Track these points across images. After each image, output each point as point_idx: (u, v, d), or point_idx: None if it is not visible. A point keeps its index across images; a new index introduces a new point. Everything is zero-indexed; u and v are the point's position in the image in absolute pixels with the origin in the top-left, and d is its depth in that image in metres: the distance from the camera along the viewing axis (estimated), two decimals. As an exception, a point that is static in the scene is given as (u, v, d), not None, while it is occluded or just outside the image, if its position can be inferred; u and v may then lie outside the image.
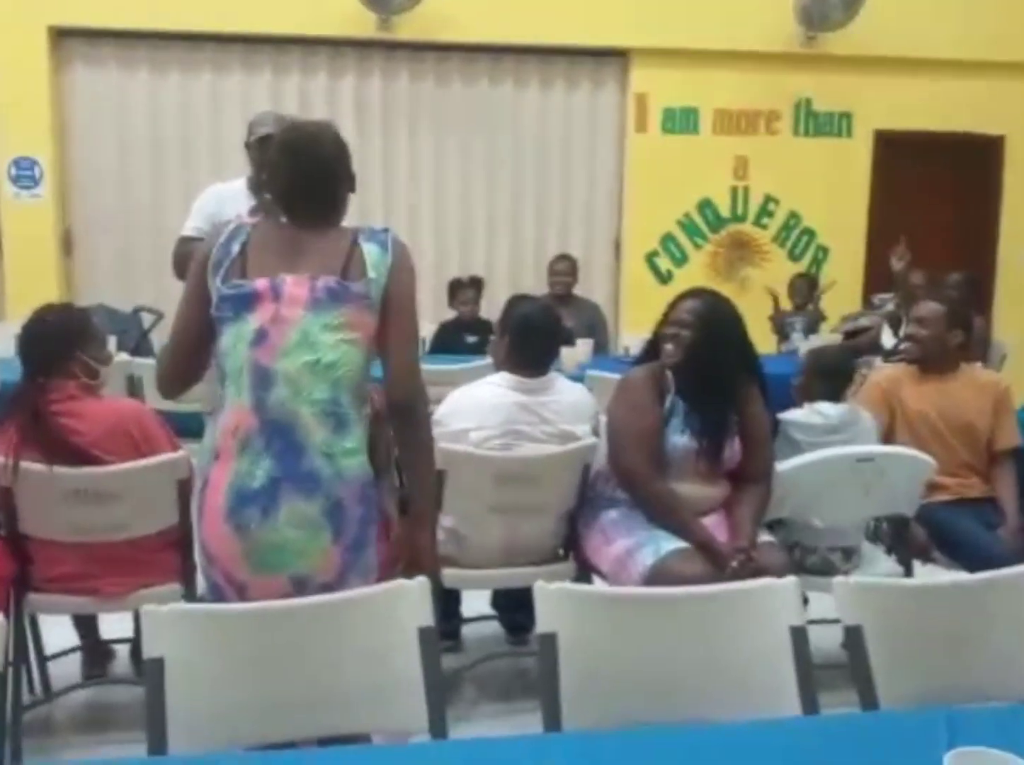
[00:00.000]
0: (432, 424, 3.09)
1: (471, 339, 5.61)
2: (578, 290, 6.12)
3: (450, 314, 5.95)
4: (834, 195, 7.23)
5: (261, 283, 2.07)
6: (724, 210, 7.25)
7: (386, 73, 6.81)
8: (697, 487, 2.98)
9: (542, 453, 2.98)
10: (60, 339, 2.78)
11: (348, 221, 2.27)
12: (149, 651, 1.68)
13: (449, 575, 2.98)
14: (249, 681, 1.73)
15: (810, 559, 3.16)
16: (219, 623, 1.76)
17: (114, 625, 3.22)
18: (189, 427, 3.93)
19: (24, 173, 6.55)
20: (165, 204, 6.58)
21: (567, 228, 7.15)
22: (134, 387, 4.43)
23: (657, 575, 2.77)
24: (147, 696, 1.66)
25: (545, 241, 7.08)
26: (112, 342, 5.07)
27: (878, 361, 5.91)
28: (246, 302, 2.06)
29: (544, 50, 6.87)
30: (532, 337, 3.07)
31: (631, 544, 2.91)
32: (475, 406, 3.02)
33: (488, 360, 3.60)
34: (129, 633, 3.19)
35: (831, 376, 3.28)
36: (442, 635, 2.22)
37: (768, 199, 7.27)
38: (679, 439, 2.95)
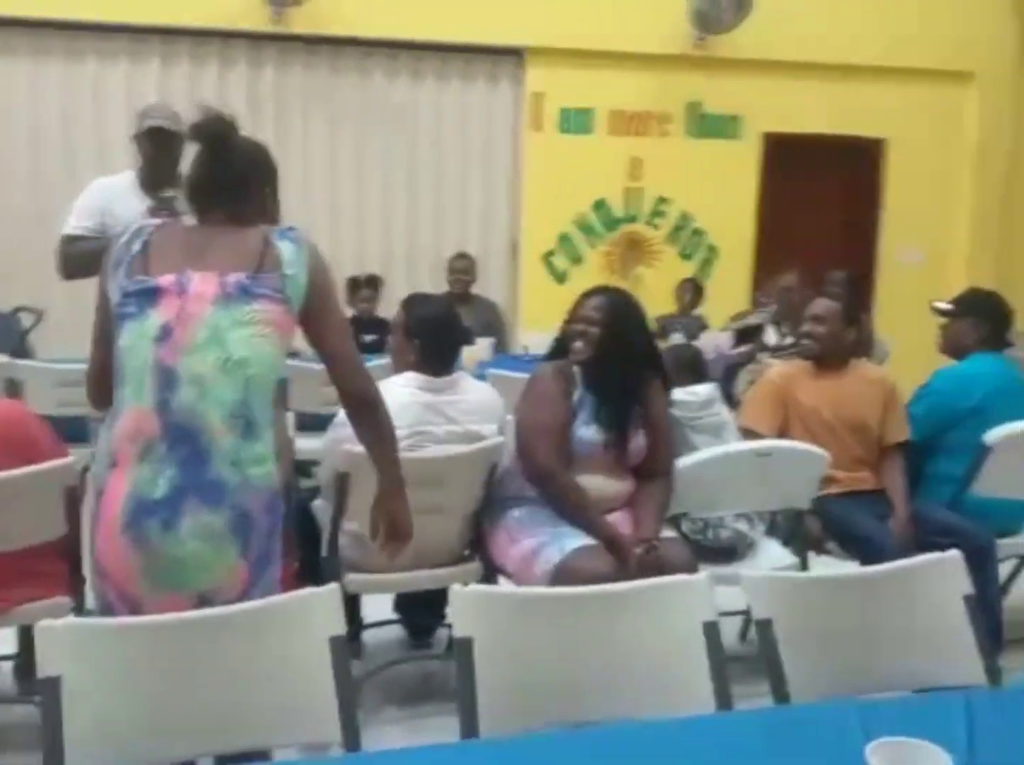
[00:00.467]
0: (333, 426, 3.07)
1: (368, 338, 5.54)
2: (476, 289, 6.11)
3: (347, 312, 5.86)
4: (724, 196, 7.37)
5: (166, 279, 1.97)
6: (618, 210, 7.33)
7: (279, 66, 6.67)
8: (604, 480, 3.03)
9: (449, 454, 2.95)
10: None
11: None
12: (44, 669, 1.59)
13: (354, 580, 2.94)
14: (152, 698, 1.66)
15: (724, 534, 3.30)
16: (120, 638, 1.68)
17: (-1, 642, 3.07)
18: (74, 432, 3.79)
19: None
20: (46, 199, 6.29)
21: (465, 226, 7.13)
22: (15, 390, 4.23)
23: (562, 573, 2.79)
24: (43, 717, 1.57)
25: (442, 239, 7.03)
26: (-10, 343, 4.84)
27: (766, 358, 6.08)
28: (149, 297, 1.95)
29: (440, 47, 6.84)
30: (440, 337, 3.07)
31: (536, 543, 2.92)
32: (380, 407, 2.97)
33: (386, 359, 3.56)
34: (11, 649, 3.04)
35: (691, 366, 3.64)
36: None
37: (661, 200, 7.37)
38: (586, 432, 3.00)
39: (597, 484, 3.02)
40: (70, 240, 3.55)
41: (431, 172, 7.04)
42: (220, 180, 2.10)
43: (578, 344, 3.06)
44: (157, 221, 2.20)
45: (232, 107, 7.00)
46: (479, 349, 5.04)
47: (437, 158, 7.05)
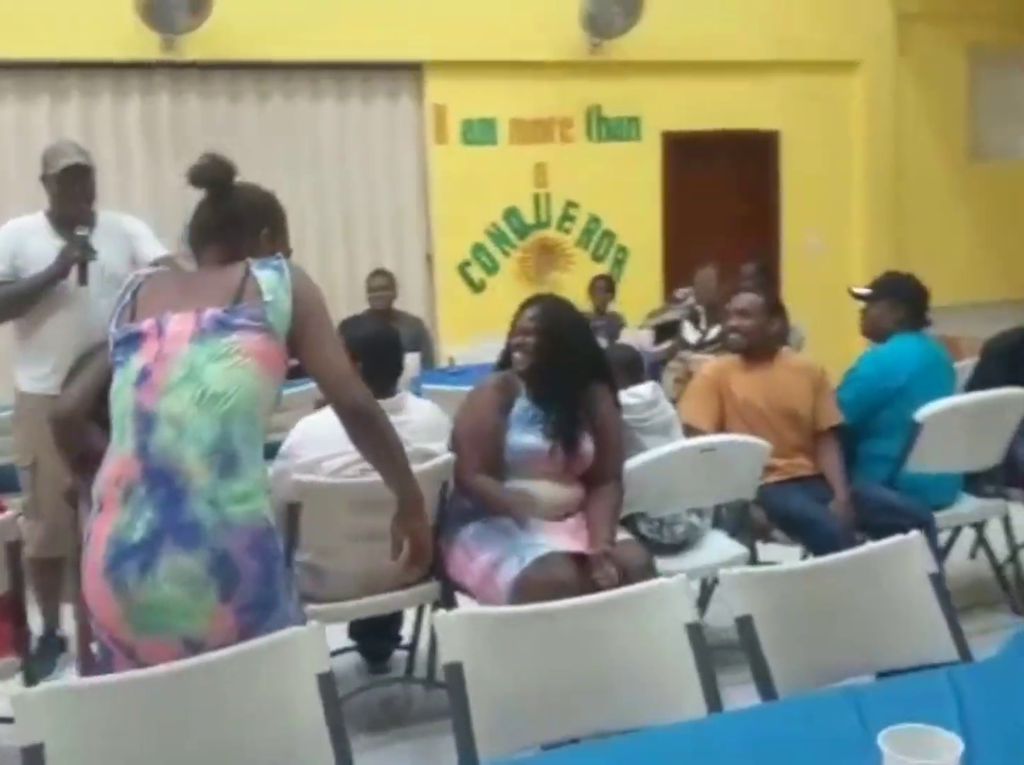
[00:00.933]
0: (280, 457, 3.02)
1: (292, 361, 5.45)
2: (396, 304, 6.08)
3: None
4: (629, 197, 7.47)
5: (147, 323, 1.98)
6: (529, 217, 7.36)
7: (175, 95, 6.50)
8: (552, 486, 3.07)
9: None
10: None
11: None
12: (26, 738, 1.53)
13: (309, 611, 2.89)
14: (141, 756, 1.61)
15: (678, 529, 3.35)
16: (101, 698, 1.62)
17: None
18: (4, 481, 3.66)
19: None
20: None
21: (377, 244, 7.05)
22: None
23: (523, 584, 2.80)
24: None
25: (356, 257, 6.95)
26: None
27: (689, 355, 6.18)
28: (133, 343, 1.97)
29: (338, 65, 6.77)
30: (382, 357, 3.06)
31: (494, 557, 2.92)
32: (327, 434, 2.90)
33: (312, 384, 3.51)
34: None
35: (629, 367, 3.60)
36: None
37: (569, 204, 7.43)
38: (525, 439, 3.04)
39: (545, 490, 3.06)
40: (-19, 285, 3.41)
41: (338, 190, 6.95)
42: (212, 222, 2.13)
43: (517, 355, 3.12)
44: (151, 270, 2.22)
45: (128, 139, 6.81)
46: (408, 365, 5.00)
47: (343, 176, 6.96)
